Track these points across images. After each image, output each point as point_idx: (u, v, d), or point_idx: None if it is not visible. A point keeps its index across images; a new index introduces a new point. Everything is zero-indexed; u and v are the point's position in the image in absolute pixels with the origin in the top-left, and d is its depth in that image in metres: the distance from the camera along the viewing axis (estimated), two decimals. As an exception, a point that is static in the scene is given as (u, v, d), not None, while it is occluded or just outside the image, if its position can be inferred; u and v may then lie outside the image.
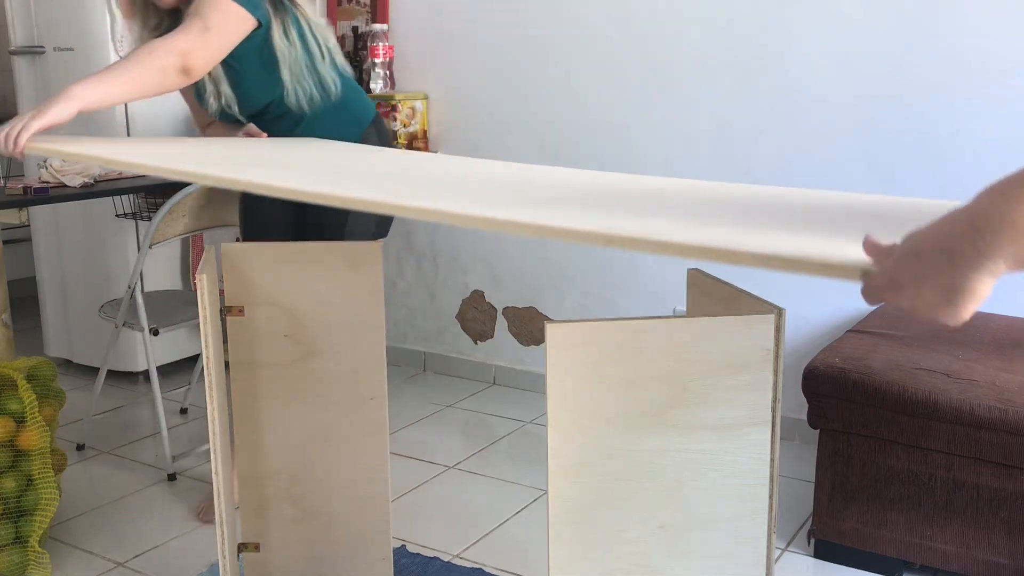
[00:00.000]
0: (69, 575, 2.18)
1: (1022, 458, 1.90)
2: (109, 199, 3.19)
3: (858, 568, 2.13)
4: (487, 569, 2.16)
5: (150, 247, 2.60)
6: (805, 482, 2.52)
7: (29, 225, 3.56)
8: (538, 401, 3.22)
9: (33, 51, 3.38)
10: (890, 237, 1.02)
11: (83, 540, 2.33)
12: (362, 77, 3.42)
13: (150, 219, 3.00)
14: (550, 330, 1.22)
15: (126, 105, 3.16)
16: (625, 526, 1.29)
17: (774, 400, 1.33)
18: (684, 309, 1.00)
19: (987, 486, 1.95)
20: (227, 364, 1.83)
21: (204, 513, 2.42)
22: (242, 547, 1.89)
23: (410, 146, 3.28)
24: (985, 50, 2.45)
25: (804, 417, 2.21)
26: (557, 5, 3.06)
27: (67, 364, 3.61)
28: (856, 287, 0.87)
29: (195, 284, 2.13)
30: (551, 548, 1.26)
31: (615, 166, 3.03)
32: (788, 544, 2.26)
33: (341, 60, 2.25)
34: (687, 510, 1.31)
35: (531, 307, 3.32)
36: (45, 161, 2.70)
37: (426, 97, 3.35)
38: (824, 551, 2.17)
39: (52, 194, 2.54)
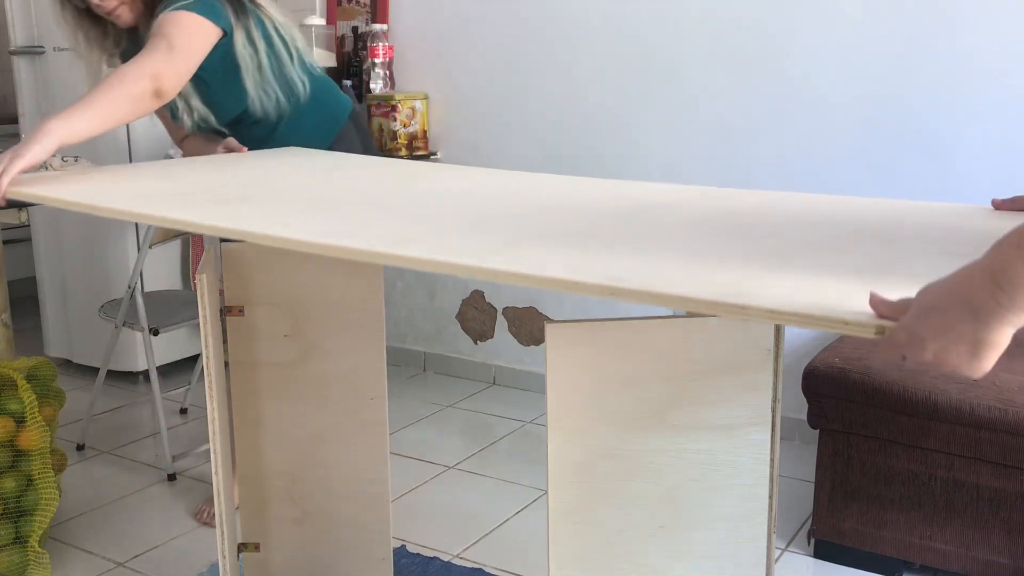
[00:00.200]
0: (69, 575, 2.18)
1: (1022, 458, 1.90)
2: (109, 199, 3.18)
3: (858, 568, 2.13)
4: (487, 569, 2.16)
5: (150, 247, 2.61)
6: (805, 482, 2.52)
7: (29, 225, 3.56)
8: (538, 401, 3.22)
9: (33, 51, 3.38)
10: (898, 269, 1.03)
11: (83, 540, 2.33)
12: (362, 77, 3.42)
13: (150, 219, 2.99)
14: (550, 330, 1.22)
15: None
16: (625, 526, 1.29)
17: (774, 400, 1.33)
18: (684, 309, 1.00)
19: (987, 486, 1.95)
20: (227, 364, 1.83)
21: (203, 514, 2.42)
22: (242, 547, 1.89)
23: (410, 146, 3.28)
24: (985, 50, 2.45)
25: (804, 417, 2.21)
26: (557, 5, 3.06)
27: (67, 364, 3.61)
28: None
29: (195, 284, 2.13)
30: (551, 548, 1.26)
31: (615, 165, 3.03)
32: (788, 544, 2.26)
33: (311, 58, 2.22)
34: (687, 510, 1.31)
35: (531, 307, 3.32)
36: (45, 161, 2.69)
37: (426, 97, 3.35)
38: (824, 551, 2.17)
39: (52, 194, 2.54)
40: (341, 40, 3.52)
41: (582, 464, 1.25)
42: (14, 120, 3.69)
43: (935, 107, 2.53)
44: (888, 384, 2.01)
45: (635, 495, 1.28)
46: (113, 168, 1.89)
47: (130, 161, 3.12)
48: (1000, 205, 1.39)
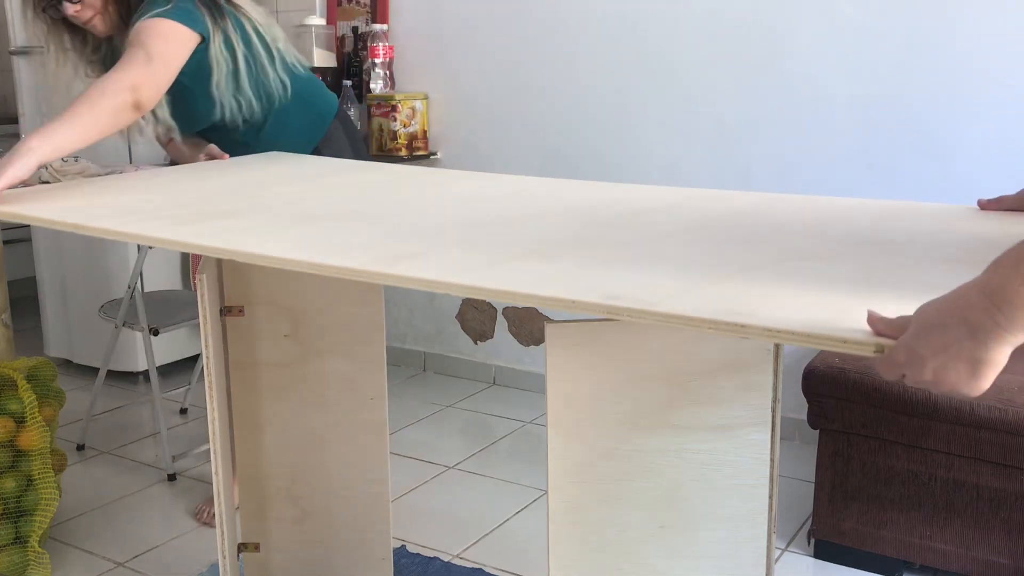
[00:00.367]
0: (69, 575, 2.18)
1: (1022, 458, 1.90)
2: (109, 199, 3.19)
3: (858, 568, 2.13)
4: (487, 569, 2.16)
5: (150, 247, 2.60)
6: (805, 482, 2.52)
7: (29, 225, 3.56)
8: (538, 401, 3.22)
9: (33, 51, 3.38)
10: (892, 279, 1.03)
11: (83, 540, 2.33)
12: (362, 77, 3.42)
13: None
14: (550, 330, 1.22)
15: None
16: (625, 526, 1.29)
17: (774, 400, 1.33)
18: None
19: (987, 486, 1.95)
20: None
21: (203, 514, 2.42)
22: (242, 547, 1.89)
23: (410, 146, 3.28)
24: (985, 50, 2.45)
25: (804, 417, 2.21)
26: (557, 5, 3.06)
27: (67, 364, 3.61)
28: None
29: (195, 284, 2.13)
30: (551, 548, 1.26)
31: (615, 165, 3.03)
32: (788, 544, 2.26)
33: (292, 58, 2.18)
34: (687, 510, 1.31)
35: (531, 307, 3.32)
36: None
37: (426, 97, 3.35)
38: (824, 551, 2.17)
39: (52, 194, 2.54)
40: (341, 40, 3.52)
41: (582, 464, 1.25)
42: (14, 120, 3.69)
43: (935, 107, 2.53)
44: (888, 384, 2.01)
45: (635, 495, 1.28)
46: (96, 181, 1.87)
47: (130, 161, 3.12)
48: (986, 205, 1.40)
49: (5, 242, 2.35)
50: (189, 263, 3.52)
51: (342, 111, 2.32)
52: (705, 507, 1.31)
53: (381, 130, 3.27)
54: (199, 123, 2.14)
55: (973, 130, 2.49)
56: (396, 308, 3.62)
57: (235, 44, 2.04)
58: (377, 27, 3.33)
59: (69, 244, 3.45)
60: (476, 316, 3.45)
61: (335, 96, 2.34)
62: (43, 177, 2.68)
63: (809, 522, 2.24)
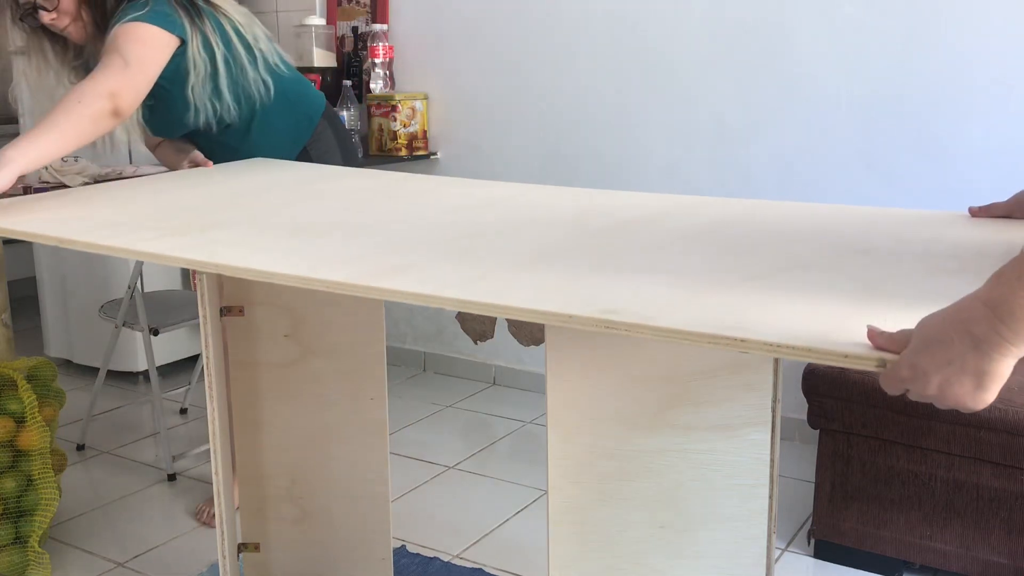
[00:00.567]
0: (69, 575, 2.18)
1: (1022, 458, 1.90)
2: (109, 199, 3.19)
3: (858, 568, 2.13)
4: (487, 569, 2.16)
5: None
6: (805, 482, 2.52)
7: (29, 225, 3.56)
8: (538, 401, 3.22)
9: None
10: (888, 288, 1.03)
11: (83, 540, 2.33)
12: (362, 77, 3.42)
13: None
14: (550, 330, 1.22)
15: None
16: (625, 526, 1.29)
17: (774, 400, 1.32)
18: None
19: (987, 486, 1.95)
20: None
21: (203, 514, 2.42)
22: (242, 547, 1.89)
23: (410, 146, 3.28)
24: (985, 50, 2.45)
25: (804, 417, 2.21)
26: (557, 5, 3.06)
27: (67, 364, 3.61)
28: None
29: (195, 284, 2.13)
30: (551, 548, 1.26)
31: (615, 165, 3.03)
32: (788, 544, 2.26)
33: (275, 58, 2.14)
34: (687, 510, 1.31)
35: (531, 307, 3.32)
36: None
37: (426, 97, 3.35)
38: (824, 551, 2.17)
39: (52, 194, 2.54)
40: (341, 40, 3.52)
41: (582, 464, 1.25)
42: (14, 120, 3.69)
43: (935, 107, 2.53)
44: (888, 384, 2.01)
45: (635, 495, 1.28)
46: (80, 191, 1.85)
47: (130, 161, 3.12)
48: (976, 213, 1.40)
49: (5, 242, 2.35)
50: (189, 263, 3.52)
51: (330, 111, 2.29)
52: (705, 507, 1.31)
53: (381, 130, 3.27)
54: (177, 128, 2.12)
55: (973, 130, 2.49)
56: (396, 308, 3.62)
57: (214, 45, 2.00)
58: (377, 27, 3.33)
59: (69, 244, 3.45)
60: (476, 316, 3.45)
61: (322, 96, 2.31)
62: (43, 177, 2.68)
63: (809, 522, 2.24)
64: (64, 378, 3.35)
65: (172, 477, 2.67)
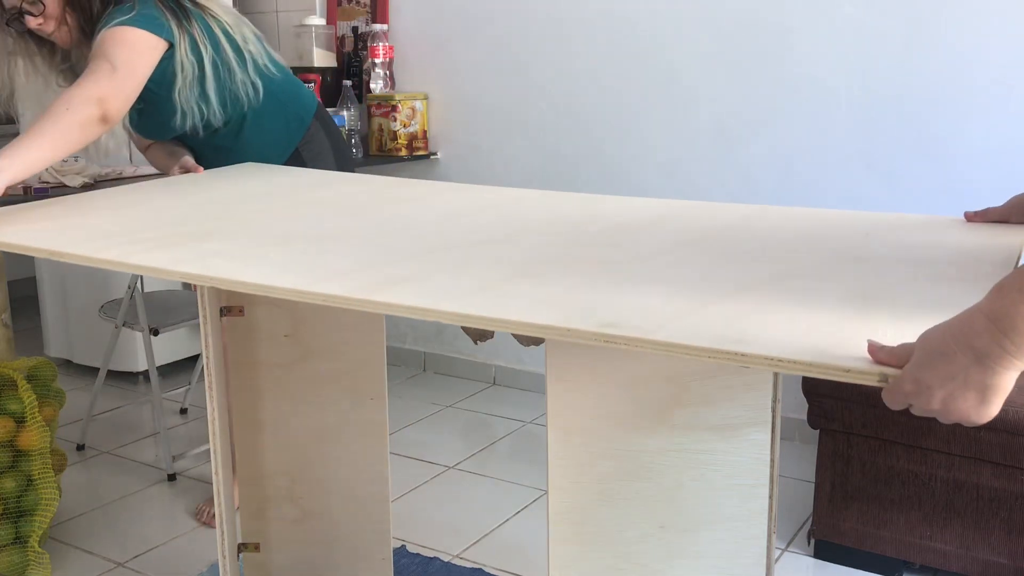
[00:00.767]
0: (69, 575, 2.18)
1: (1022, 458, 1.90)
2: (109, 199, 3.18)
3: (858, 568, 2.13)
4: (487, 569, 2.16)
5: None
6: (805, 482, 2.52)
7: (29, 225, 3.56)
8: (538, 401, 3.22)
9: (33, 51, 3.37)
10: (886, 296, 1.02)
11: (83, 540, 2.33)
12: (362, 77, 3.42)
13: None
14: (550, 331, 1.22)
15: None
16: (625, 526, 1.29)
17: (774, 400, 1.32)
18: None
19: (987, 486, 1.95)
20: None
21: (203, 514, 2.42)
22: (242, 547, 1.89)
23: (410, 146, 3.28)
24: (985, 50, 2.45)
25: (804, 417, 2.21)
26: (557, 5, 3.06)
27: (67, 364, 3.61)
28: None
29: (195, 284, 2.12)
30: (551, 548, 1.26)
31: (615, 165, 3.03)
32: (788, 544, 2.26)
33: (264, 59, 2.12)
34: (687, 510, 1.31)
35: (531, 307, 3.32)
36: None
37: (426, 97, 3.35)
38: (824, 551, 2.17)
39: (52, 194, 2.54)
40: (341, 40, 3.52)
41: (582, 464, 1.25)
42: (14, 120, 3.68)
43: (935, 107, 2.53)
44: (888, 384, 2.01)
45: (635, 495, 1.28)
46: (71, 200, 1.84)
47: (130, 160, 3.12)
48: (972, 218, 1.40)
49: (5, 242, 2.35)
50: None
51: (322, 111, 2.28)
52: (705, 507, 1.31)
53: (381, 130, 3.27)
54: (165, 131, 2.11)
55: (973, 130, 2.49)
56: (396, 308, 3.61)
57: (202, 48, 1.99)
58: (377, 27, 3.33)
59: (69, 244, 3.45)
60: (476, 316, 3.44)
61: (314, 96, 2.30)
62: (43, 177, 2.69)
63: (809, 522, 2.24)
64: (64, 378, 3.35)
65: (172, 477, 2.67)
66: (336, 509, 1.88)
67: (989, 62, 2.45)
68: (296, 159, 2.21)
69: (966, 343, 0.79)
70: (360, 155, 3.29)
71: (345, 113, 3.24)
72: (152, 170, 2.62)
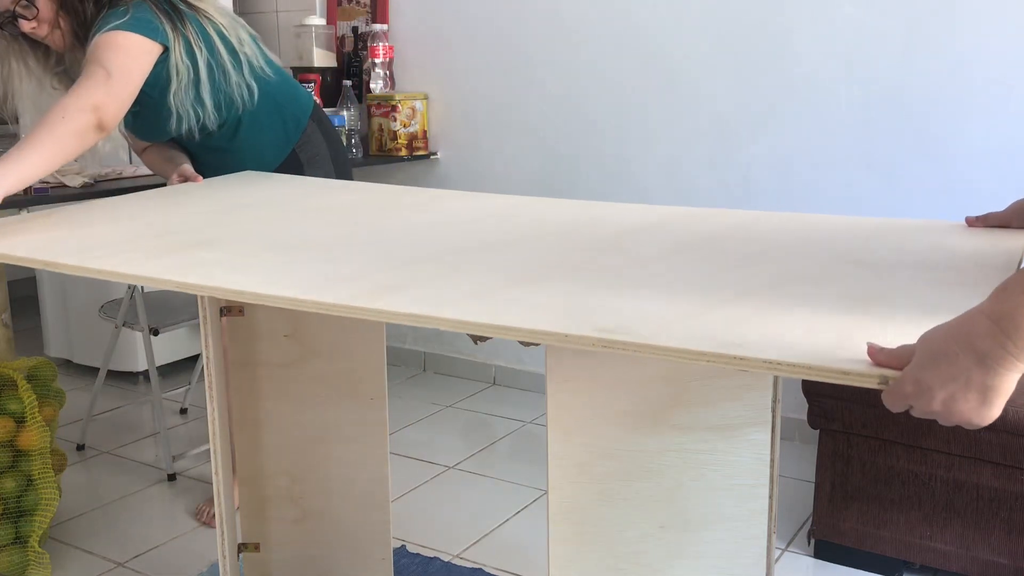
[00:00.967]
0: (69, 575, 2.18)
1: (1022, 458, 1.90)
2: (109, 199, 3.19)
3: (858, 568, 2.13)
4: (487, 569, 2.16)
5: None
6: (805, 482, 2.52)
7: (29, 225, 3.56)
8: (538, 401, 3.22)
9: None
10: (886, 300, 1.02)
11: (83, 540, 2.33)
12: (362, 77, 3.42)
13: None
14: (550, 331, 1.22)
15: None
16: (625, 526, 1.29)
17: (774, 400, 1.32)
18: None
19: (987, 486, 1.95)
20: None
21: (203, 514, 2.42)
22: (242, 547, 1.89)
23: (410, 146, 3.28)
24: (985, 50, 2.45)
25: (804, 417, 2.21)
26: (557, 5, 3.06)
27: (67, 364, 3.61)
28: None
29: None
30: (551, 548, 1.26)
31: (616, 165, 3.03)
32: (788, 544, 2.26)
33: (260, 61, 2.11)
34: (687, 510, 1.31)
35: (531, 307, 3.32)
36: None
37: (426, 97, 3.35)
38: (824, 551, 2.17)
39: (52, 194, 2.54)
40: (341, 40, 3.52)
41: (582, 464, 1.25)
42: (14, 120, 3.68)
43: (936, 107, 2.53)
44: (888, 384, 2.01)
45: (635, 495, 1.28)
46: (65, 209, 1.83)
47: (129, 161, 3.12)
48: (973, 223, 1.40)
49: (5, 242, 2.36)
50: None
51: (318, 112, 2.28)
52: (705, 507, 1.31)
53: (381, 130, 3.27)
54: (161, 134, 2.10)
55: (973, 130, 2.49)
56: (396, 308, 3.61)
57: (197, 51, 1.98)
58: (377, 27, 3.34)
59: (69, 244, 3.45)
60: (476, 316, 3.45)
61: (311, 97, 2.30)
62: (43, 177, 2.68)
63: (809, 522, 2.24)
64: (64, 378, 3.35)
65: (172, 477, 2.67)
66: (336, 509, 1.88)
67: (989, 62, 2.45)
68: (292, 160, 2.20)
69: (968, 344, 0.78)
70: (360, 155, 3.29)
71: (345, 113, 3.24)
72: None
